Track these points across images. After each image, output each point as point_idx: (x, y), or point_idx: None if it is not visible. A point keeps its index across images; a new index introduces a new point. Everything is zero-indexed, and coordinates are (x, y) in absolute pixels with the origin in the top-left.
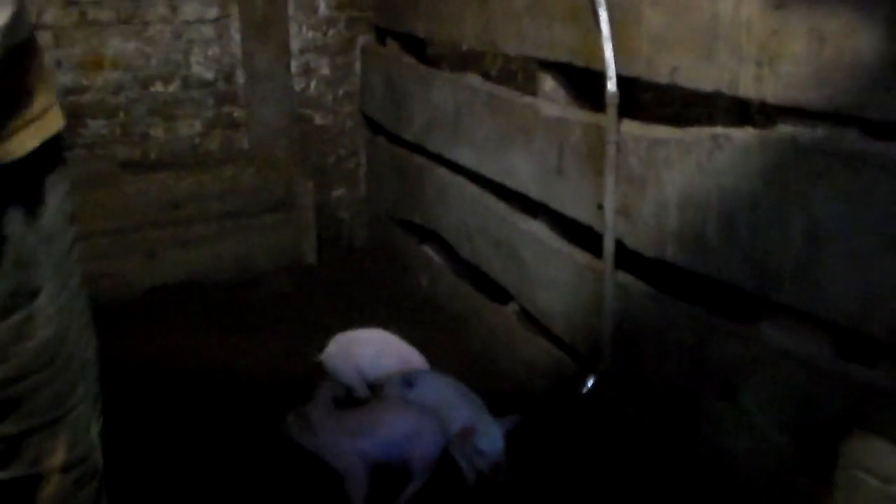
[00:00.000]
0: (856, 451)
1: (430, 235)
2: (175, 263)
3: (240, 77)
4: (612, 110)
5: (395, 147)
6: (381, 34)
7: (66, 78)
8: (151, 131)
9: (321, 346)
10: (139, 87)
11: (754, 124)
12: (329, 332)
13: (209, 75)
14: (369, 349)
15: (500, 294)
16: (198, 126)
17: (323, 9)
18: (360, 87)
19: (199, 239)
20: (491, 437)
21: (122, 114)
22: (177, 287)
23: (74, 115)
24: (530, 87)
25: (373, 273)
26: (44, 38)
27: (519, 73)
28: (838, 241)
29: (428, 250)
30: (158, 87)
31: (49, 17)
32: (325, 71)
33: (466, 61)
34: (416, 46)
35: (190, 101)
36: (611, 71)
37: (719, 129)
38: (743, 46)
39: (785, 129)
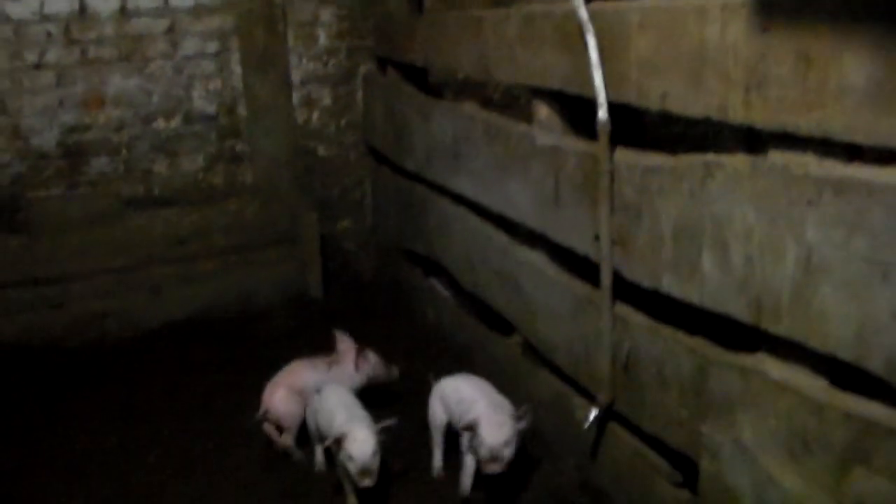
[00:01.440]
0: (857, 487)
1: (435, 266)
2: (180, 300)
3: (242, 110)
4: (603, 138)
5: (398, 177)
6: (382, 63)
7: (68, 116)
8: (154, 167)
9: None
10: (141, 124)
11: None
12: None
13: (211, 109)
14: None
15: (504, 325)
16: (201, 161)
17: (323, 39)
18: (362, 117)
19: (204, 274)
20: (360, 442)
21: (124, 151)
22: (183, 324)
23: (77, 154)
24: (531, 113)
25: (379, 306)
26: (46, 77)
27: (521, 98)
28: (833, 271)
29: (433, 282)
30: (160, 123)
31: (51, 56)
32: (327, 101)
33: (469, 87)
34: (417, 75)
35: (192, 135)
36: (601, 98)
37: (711, 157)
38: (731, 71)
39: (775, 155)
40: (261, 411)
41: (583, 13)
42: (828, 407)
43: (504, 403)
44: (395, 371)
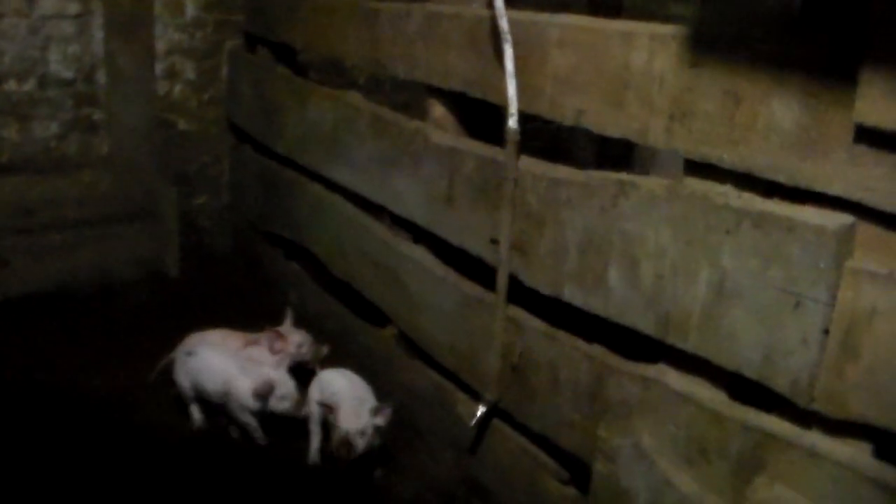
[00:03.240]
0: (758, 497)
1: (296, 249)
2: (29, 274)
3: (101, 77)
4: (511, 146)
5: (264, 157)
6: (251, 40)
7: None
8: (4, 132)
9: None
10: None
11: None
12: None
13: (68, 74)
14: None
15: (375, 314)
16: (54, 128)
17: (191, 10)
18: (226, 93)
19: (54, 248)
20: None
21: None
22: (31, 299)
23: None
24: (399, 98)
25: (238, 285)
26: None
27: (387, 83)
28: (746, 296)
29: (296, 265)
30: (12, 86)
31: None
32: (191, 75)
33: (335, 69)
34: (289, 55)
35: (46, 101)
36: (513, 107)
37: (625, 176)
38: (655, 99)
39: (694, 183)
40: (159, 366)
41: (503, 23)
42: (728, 418)
43: (370, 401)
44: (325, 350)
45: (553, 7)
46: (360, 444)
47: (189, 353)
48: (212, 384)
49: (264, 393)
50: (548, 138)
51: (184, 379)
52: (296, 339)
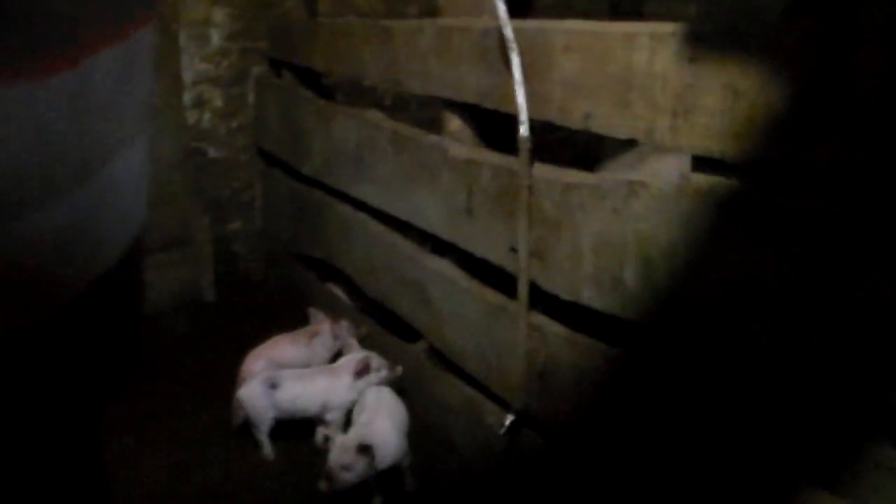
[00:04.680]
0: None
1: (330, 270)
2: None
3: None
4: (524, 154)
5: (293, 181)
6: (276, 65)
7: None
8: None
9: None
10: None
11: None
12: (232, 378)
13: None
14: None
15: (407, 331)
16: None
17: (216, 39)
18: (254, 120)
19: None
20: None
21: None
22: None
23: None
24: (425, 115)
25: (274, 309)
26: None
27: (412, 104)
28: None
29: (330, 286)
30: None
31: None
32: (219, 103)
33: (361, 90)
34: (313, 78)
35: None
36: (523, 115)
37: (635, 177)
38: (658, 97)
39: (701, 179)
40: (239, 383)
41: (508, 32)
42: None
43: (375, 433)
44: (363, 331)
45: (575, 17)
46: (344, 478)
47: (273, 386)
48: (311, 403)
49: (365, 370)
50: (579, 148)
51: (271, 411)
52: (344, 325)
